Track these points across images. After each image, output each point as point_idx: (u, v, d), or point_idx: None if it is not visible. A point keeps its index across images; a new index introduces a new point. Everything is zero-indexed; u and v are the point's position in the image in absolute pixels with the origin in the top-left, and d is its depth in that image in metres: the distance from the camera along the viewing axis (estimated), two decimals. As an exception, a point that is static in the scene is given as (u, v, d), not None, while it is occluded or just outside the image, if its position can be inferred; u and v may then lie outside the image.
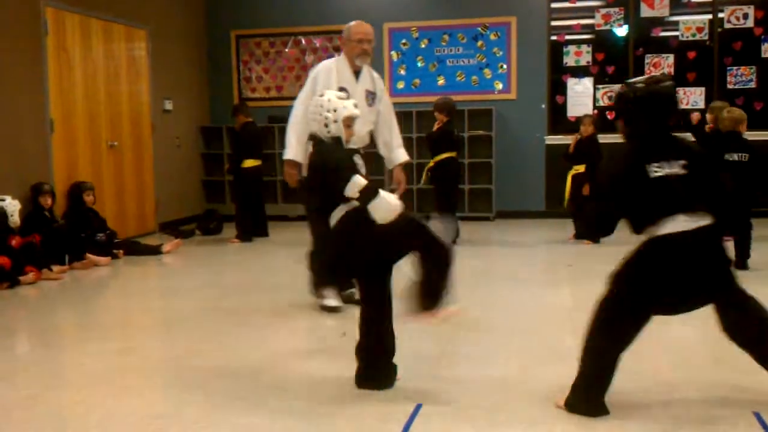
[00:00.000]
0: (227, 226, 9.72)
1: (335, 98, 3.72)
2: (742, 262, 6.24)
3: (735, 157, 6.41)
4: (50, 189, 7.50)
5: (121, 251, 7.86)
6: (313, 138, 3.78)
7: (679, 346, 4.29)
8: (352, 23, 5.38)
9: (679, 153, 3.15)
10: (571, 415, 3.25)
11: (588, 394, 3.24)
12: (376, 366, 3.66)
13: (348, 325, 4.87)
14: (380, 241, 3.50)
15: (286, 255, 8.16)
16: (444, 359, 4.09)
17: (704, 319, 3.47)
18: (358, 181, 3.48)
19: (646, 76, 3.34)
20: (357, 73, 5.31)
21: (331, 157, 3.62)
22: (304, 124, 5.09)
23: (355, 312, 3.85)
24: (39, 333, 5.03)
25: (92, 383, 3.90)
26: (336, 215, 3.61)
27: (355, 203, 3.51)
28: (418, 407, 3.39)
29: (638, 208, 3.14)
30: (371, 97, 5.34)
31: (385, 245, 3.52)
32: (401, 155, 5.50)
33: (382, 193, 3.50)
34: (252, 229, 9.07)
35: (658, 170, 3.11)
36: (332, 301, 5.23)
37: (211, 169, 11.21)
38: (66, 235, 7.35)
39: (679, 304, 3.21)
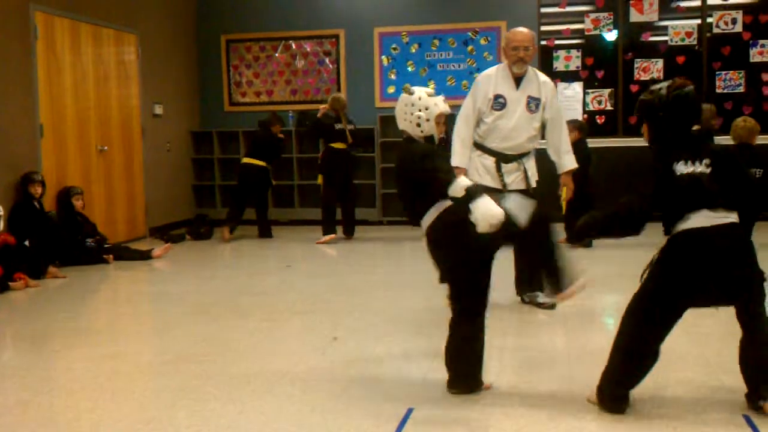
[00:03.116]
0: (218, 230, 9.70)
1: (426, 96, 3.68)
2: None
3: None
4: (41, 178, 7.54)
5: (111, 256, 7.84)
6: (404, 134, 3.75)
7: (669, 348, 4.29)
8: (510, 31, 5.40)
9: (703, 153, 3.24)
10: (564, 417, 3.26)
11: (612, 389, 3.31)
12: (465, 371, 3.61)
13: (339, 331, 4.88)
14: (476, 239, 3.40)
15: (276, 259, 8.16)
16: (435, 361, 4.08)
17: (693, 321, 3.49)
18: (463, 182, 3.40)
19: (668, 82, 3.37)
20: (519, 79, 5.27)
21: (427, 155, 3.57)
22: (466, 130, 5.26)
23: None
24: (28, 338, 5.01)
25: (82, 388, 3.88)
26: (428, 219, 3.57)
27: (447, 204, 3.48)
28: (410, 411, 3.39)
29: (667, 205, 3.24)
30: (534, 103, 5.26)
31: (481, 242, 3.44)
32: (569, 162, 5.48)
33: (486, 197, 3.35)
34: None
35: (683, 168, 3.21)
36: (544, 298, 5.29)
37: (201, 173, 11.19)
38: (59, 235, 7.48)
39: (706, 296, 3.24)
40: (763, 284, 3.24)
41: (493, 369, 3.89)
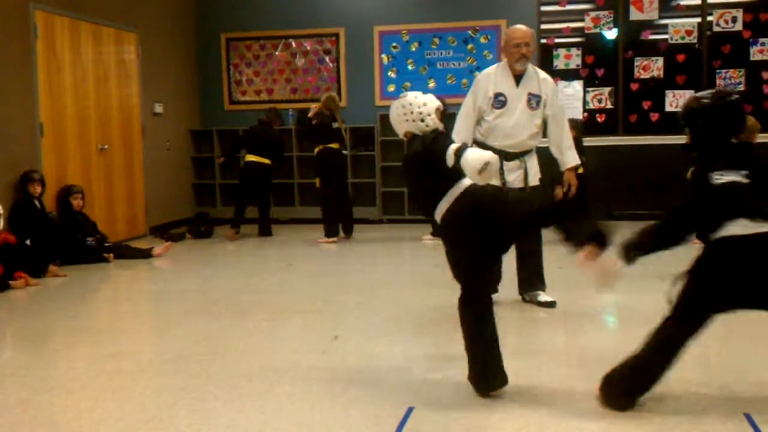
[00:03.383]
0: (218, 229, 9.71)
1: (420, 95, 3.73)
2: None
3: None
4: (40, 177, 7.53)
5: (111, 255, 7.84)
6: (407, 136, 3.76)
7: (669, 348, 4.30)
8: (509, 29, 5.40)
9: (742, 163, 3.20)
10: (565, 415, 3.26)
11: (624, 389, 3.32)
12: (484, 369, 3.53)
13: (339, 330, 4.88)
14: (489, 223, 3.40)
15: (276, 258, 8.16)
16: (435, 360, 4.09)
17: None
18: (452, 148, 3.44)
19: (713, 90, 3.38)
20: (519, 77, 5.28)
21: (435, 138, 3.61)
22: (466, 128, 5.30)
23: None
24: (28, 337, 5.00)
25: (83, 387, 3.88)
26: (440, 211, 3.55)
27: (458, 192, 3.47)
28: (410, 410, 3.39)
29: (702, 214, 3.23)
30: (535, 100, 5.28)
31: (487, 234, 3.42)
32: (571, 158, 5.50)
33: (472, 148, 3.45)
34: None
35: (719, 178, 3.18)
36: (547, 296, 5.36)
37: (202, 172, 11.19)
38: (59, 235, 7.50)
39: (745, 300, 3.24)
40: None
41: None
